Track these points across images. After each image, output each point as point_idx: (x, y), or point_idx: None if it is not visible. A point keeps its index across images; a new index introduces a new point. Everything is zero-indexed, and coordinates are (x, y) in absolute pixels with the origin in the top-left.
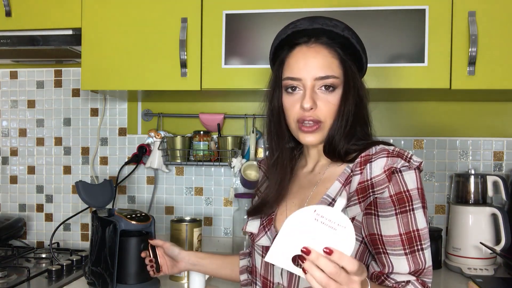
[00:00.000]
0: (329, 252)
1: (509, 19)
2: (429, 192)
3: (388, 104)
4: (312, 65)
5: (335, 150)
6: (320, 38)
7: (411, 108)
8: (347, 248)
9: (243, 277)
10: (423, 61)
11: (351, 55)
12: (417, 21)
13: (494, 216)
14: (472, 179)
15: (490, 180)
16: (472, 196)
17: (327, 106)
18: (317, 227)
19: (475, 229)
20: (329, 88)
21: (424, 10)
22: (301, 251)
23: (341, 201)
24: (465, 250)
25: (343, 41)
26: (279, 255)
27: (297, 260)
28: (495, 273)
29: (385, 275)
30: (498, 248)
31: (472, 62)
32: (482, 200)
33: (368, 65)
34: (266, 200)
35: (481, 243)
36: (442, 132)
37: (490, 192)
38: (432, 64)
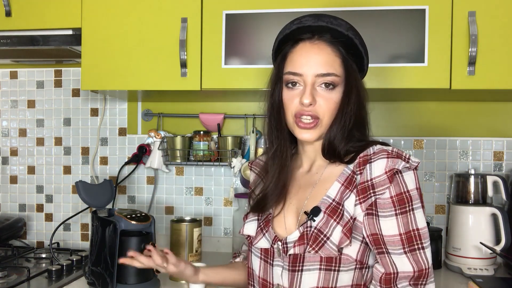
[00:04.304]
0: None
1: (509, 19)
2: (429, 192)
3: (388, 104)
4: (314, 61)
5: (335, 151)
6: (323, 35)
7: (411, 108)
8: None
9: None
10: (423, 61)
11: (353, 55)
12: (417, 21)
13: (494, 216)
14: (472, 179)
15: (490, 180)
16: (472, 196)
17: (326, 103)
18: None
19: (475, 229)
20: (329, 86)
21: (424, 10)
22: None
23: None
24: (465, 250)
25: (346, 41)
26: None
27: None
28: (495, 273)
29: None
30: (498, 248)
31: (472, 62)
32: (482, 200)
33: (369, 65)
34: (266, 193)
35: (481, 243)
36: (442, 132)
37: (490, 192)
38: (432, 64)
